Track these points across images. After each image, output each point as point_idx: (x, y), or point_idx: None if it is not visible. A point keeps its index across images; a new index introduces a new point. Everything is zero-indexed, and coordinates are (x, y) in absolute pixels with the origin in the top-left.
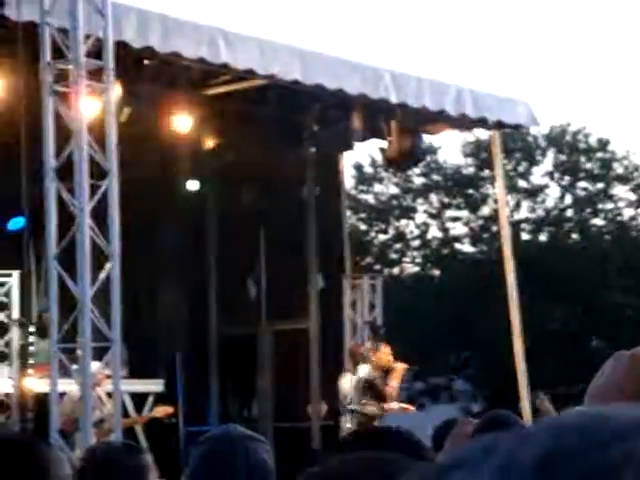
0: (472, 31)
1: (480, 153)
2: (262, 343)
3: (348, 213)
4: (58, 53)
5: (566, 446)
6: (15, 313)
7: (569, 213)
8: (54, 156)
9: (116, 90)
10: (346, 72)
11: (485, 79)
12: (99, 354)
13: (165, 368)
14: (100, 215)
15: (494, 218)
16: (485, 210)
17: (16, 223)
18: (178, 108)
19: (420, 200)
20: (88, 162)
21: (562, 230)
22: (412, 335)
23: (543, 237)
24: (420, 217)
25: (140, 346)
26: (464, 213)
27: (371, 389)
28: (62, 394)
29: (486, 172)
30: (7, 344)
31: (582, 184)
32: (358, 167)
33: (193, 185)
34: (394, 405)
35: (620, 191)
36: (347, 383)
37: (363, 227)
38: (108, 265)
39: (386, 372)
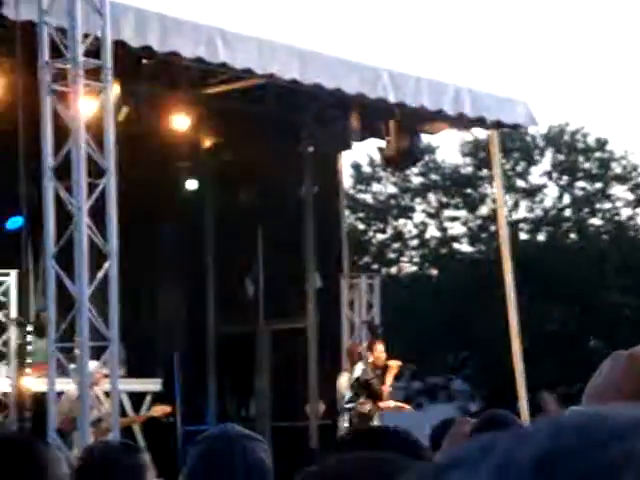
0: (470, 31)
1: (478, 153)
2: (260, 342)
3: (346, 212)
4: (56, 52)
5: (564, 446)
6: (13, 312)
7: (567, 213)
8: (52, 155)
9: (114, 89)
10: (344, 72)
11: (483, 79)
12: (97, 353)
13: (163, 367)
14: (98, 214)
15: (492, 218)
16: (483, 210)
17: (14, 222)
18: (176, 107)
19: (418, 200)
20: (86, 161)
21: (560, 230)
22: (410, 335)
23: (541, 237)
24: (418, 217)
25: (138, 345)
26: (462, 213)
27: (366, 388)
28: (60, 393)
29: (484, 172)
30: (5, 343)
31: (580, 184)
32: (356, 166)
33: (191, 184)
34: (390, 404)
35: (618, 191)
36: (344, 382)
37: (361, 226)
38: (106, 264)
39: (383, 371)
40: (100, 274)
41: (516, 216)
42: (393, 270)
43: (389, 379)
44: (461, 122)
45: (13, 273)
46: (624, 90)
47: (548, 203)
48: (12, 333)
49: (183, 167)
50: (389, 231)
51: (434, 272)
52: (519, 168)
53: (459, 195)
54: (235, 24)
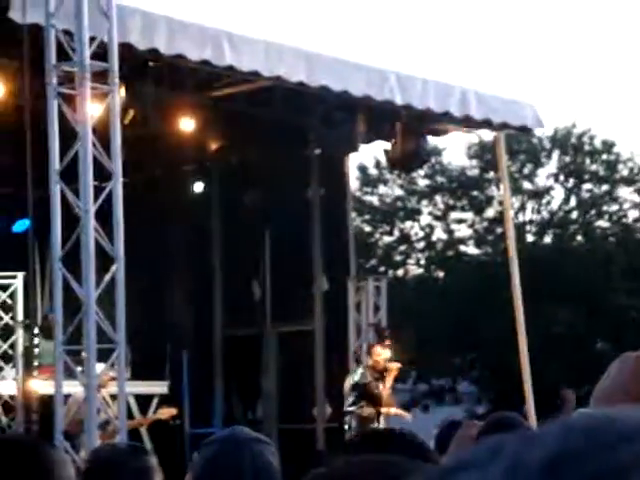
0: (477, 33)
1: (485, 155)
2: (267, 344)
3: (353, 215)
4: (63, 55)
5: (573, 448)
6: (20, 315)
7: (574, 215)
8: (59, 158)
9: (121, 92)
10: (351, 74)
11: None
12: (104, 356)
13: (170, 370)
14: (105, 217)
15: (499, 220)
16: (490, 212)
17: (21, 225)
18: (183, 110)
19: (425, 202)
20: (93, 164)
21: (567, 232)
22: (416, 337)
23: (548, 239)
24: (425, 219)
25: (145, 348)
26: (469, 215)
27: (366, 392)
28: (67, 396)
29: (491, 174)
30: (12, 346)
31: (587, 186)
32: (363, 169)
33: (198, 187)
34: (391, 410)
35: (625, 193)
36: (349, 386)
37: (368, 229)
38: (113, 267)
39: (382, 374)
40: (107, 277)
41: (523, 218)
42: (400, 272)
43: (389, 382)
44: (468, 124)
45: (20, 276)
46: (631, 92)
47: (555, 205)
48: (19, 336)
49: (190, 170)
50: (396, 233)
51: (441, 274)
52: (526, 170)
53: (465, 197)
54: (242, 27)
